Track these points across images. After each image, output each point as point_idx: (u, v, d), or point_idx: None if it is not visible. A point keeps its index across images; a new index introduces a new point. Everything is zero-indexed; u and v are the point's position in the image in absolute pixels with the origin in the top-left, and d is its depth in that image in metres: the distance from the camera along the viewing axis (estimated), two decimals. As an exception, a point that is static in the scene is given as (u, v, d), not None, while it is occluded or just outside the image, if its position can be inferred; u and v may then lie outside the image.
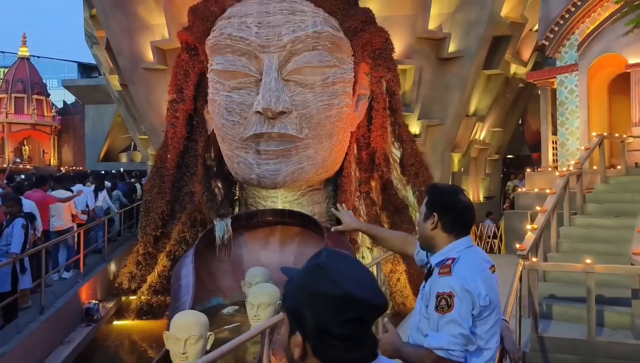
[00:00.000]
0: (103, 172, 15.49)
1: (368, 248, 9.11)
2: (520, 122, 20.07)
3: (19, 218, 6.39)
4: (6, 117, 27.67)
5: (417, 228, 2.09)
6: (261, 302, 6.21)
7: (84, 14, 14.32)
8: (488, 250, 12.02)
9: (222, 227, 8.52)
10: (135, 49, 12.31)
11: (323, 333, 1.02)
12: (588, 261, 5.50)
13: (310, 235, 8.56)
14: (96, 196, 9.99)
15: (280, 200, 9.23)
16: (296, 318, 1.05)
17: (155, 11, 11.96)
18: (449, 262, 1.90)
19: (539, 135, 12.88)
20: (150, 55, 12.17)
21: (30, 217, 6.73)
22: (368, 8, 9.06)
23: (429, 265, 2.06)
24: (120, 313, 9.31)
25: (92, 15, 13.71)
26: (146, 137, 13.88)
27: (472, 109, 13.80)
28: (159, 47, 12.04)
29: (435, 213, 1.98)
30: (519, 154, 21.05)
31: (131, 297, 9.32)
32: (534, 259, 5.89)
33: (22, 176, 12.90)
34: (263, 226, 8.94)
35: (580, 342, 5.43)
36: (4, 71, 37.44)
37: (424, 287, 2.02)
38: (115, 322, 9.13)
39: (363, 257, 8.96)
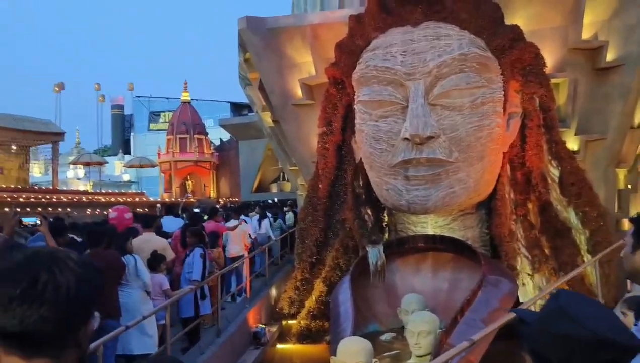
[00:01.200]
0: (262, 203, 16.65)
1: (528, 274, 8.61)
2: (697, 129, 17.70)
3: (198, 247, 7.11)
4: (173, 156, 31.20)
5: (623, 261, 1.97)
6: (421, 330, 6.15)
7: (239, 59, 15.64)
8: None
9: (375, 254, 8.64)
10: (285, 87, 13.14)
11: None
12: None
13: (464, 261, 8.31)
14: (259, 225, 10.81)
15: (430, 225, 9.12)
16: (542, 360, 1.06)
17: (302, 49, 12.68)
18: None
19: None
20: (299, 92, 12.90)
21: (213, 239, 7.43)
22: (516, 25, 8.74)
23: None
24: (282, 336, 9.81)
25: (246, 59, 14.94)
26: (296, 168, 14.62)
27: (637, 120, 12.50)
28: (307, 83, 12.70)
29: None
30: (698, 165, 18.50)
31: (290, 321, 9.79)
32: None
33: (195, 209, 14.35)
34: (414, 252, 8.89)
35: None
36: (169, 115, 42.25)
37: (636, 324, 1.90)
38: (279, 345, 9.65)
39: (523, 284, 8.49)
